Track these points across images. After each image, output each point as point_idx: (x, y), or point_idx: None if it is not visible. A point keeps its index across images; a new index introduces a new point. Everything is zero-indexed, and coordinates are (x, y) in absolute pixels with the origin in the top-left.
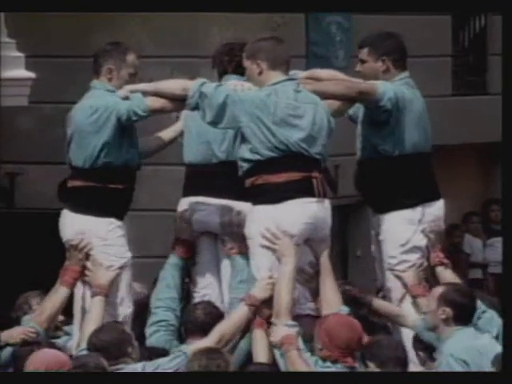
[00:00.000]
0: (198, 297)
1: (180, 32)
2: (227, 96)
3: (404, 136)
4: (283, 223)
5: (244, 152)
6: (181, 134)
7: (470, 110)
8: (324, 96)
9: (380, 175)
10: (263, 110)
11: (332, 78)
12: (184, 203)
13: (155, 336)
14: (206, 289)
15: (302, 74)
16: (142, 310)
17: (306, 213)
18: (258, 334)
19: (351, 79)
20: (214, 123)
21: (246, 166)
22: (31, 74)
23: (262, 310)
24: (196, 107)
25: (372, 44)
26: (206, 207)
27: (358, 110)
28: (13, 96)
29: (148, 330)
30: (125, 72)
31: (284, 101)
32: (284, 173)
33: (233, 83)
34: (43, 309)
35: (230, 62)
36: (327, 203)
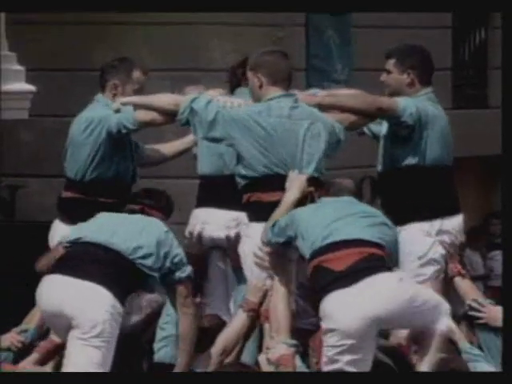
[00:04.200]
0: (207, 309)
1: (180, 45)
2: (217, 113)
3: (427, 150)
4: None
5: (240, 168)
6: (194, 145)
7: (470, 123)
8: (342, 110)
9: (400, 187)
10: (255, 128)
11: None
12: (195, 215)
13: (163, 351)
14: (215, 301)
15: (321, 92)
16: (155, 318)
17: None
18: (269, 328)
19: (372, 96)
20: (207, 139)
21: (242, 182)
22: (32, 87)
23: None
24: (187, 123)
25: (399, 56)
26: (214, 221)
27: (380, 126)
28: (13, 109)
29: (156, 346)
30: (129, 88)
31: (276, 119)
32: (278, 191)
33: (223, 99)
34: (33, 311)
35: (243, 75)
36: None
